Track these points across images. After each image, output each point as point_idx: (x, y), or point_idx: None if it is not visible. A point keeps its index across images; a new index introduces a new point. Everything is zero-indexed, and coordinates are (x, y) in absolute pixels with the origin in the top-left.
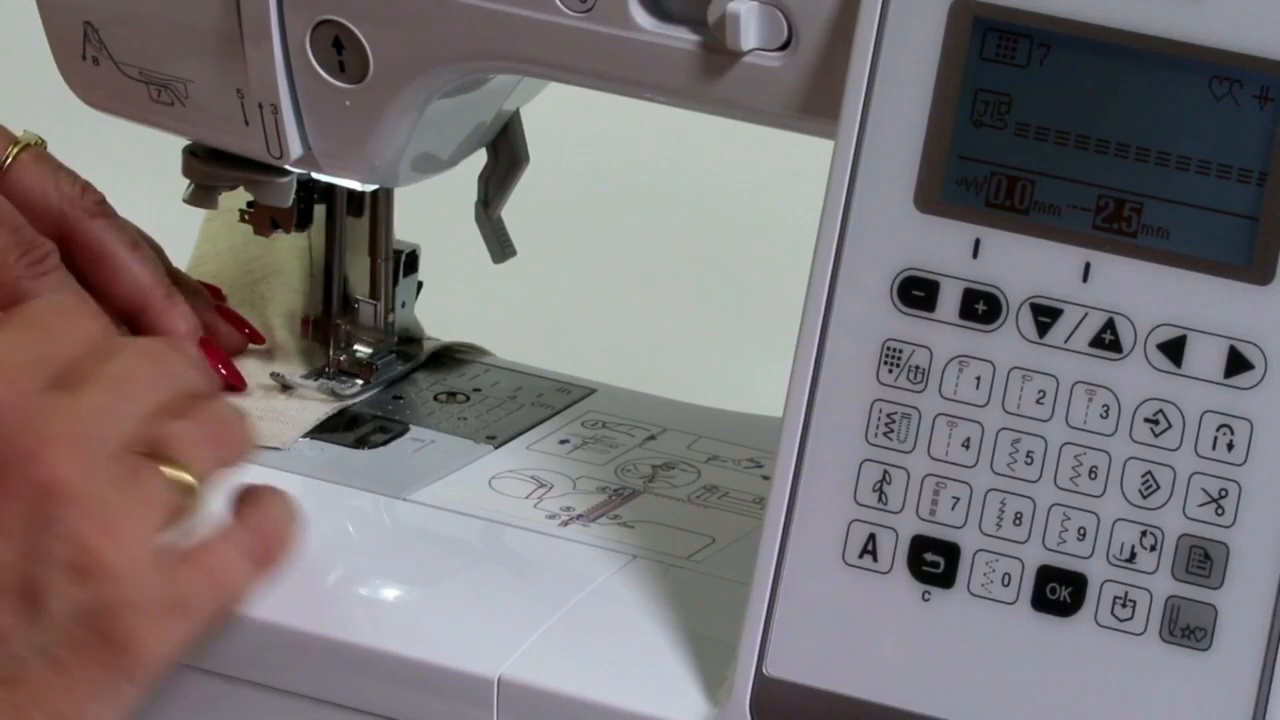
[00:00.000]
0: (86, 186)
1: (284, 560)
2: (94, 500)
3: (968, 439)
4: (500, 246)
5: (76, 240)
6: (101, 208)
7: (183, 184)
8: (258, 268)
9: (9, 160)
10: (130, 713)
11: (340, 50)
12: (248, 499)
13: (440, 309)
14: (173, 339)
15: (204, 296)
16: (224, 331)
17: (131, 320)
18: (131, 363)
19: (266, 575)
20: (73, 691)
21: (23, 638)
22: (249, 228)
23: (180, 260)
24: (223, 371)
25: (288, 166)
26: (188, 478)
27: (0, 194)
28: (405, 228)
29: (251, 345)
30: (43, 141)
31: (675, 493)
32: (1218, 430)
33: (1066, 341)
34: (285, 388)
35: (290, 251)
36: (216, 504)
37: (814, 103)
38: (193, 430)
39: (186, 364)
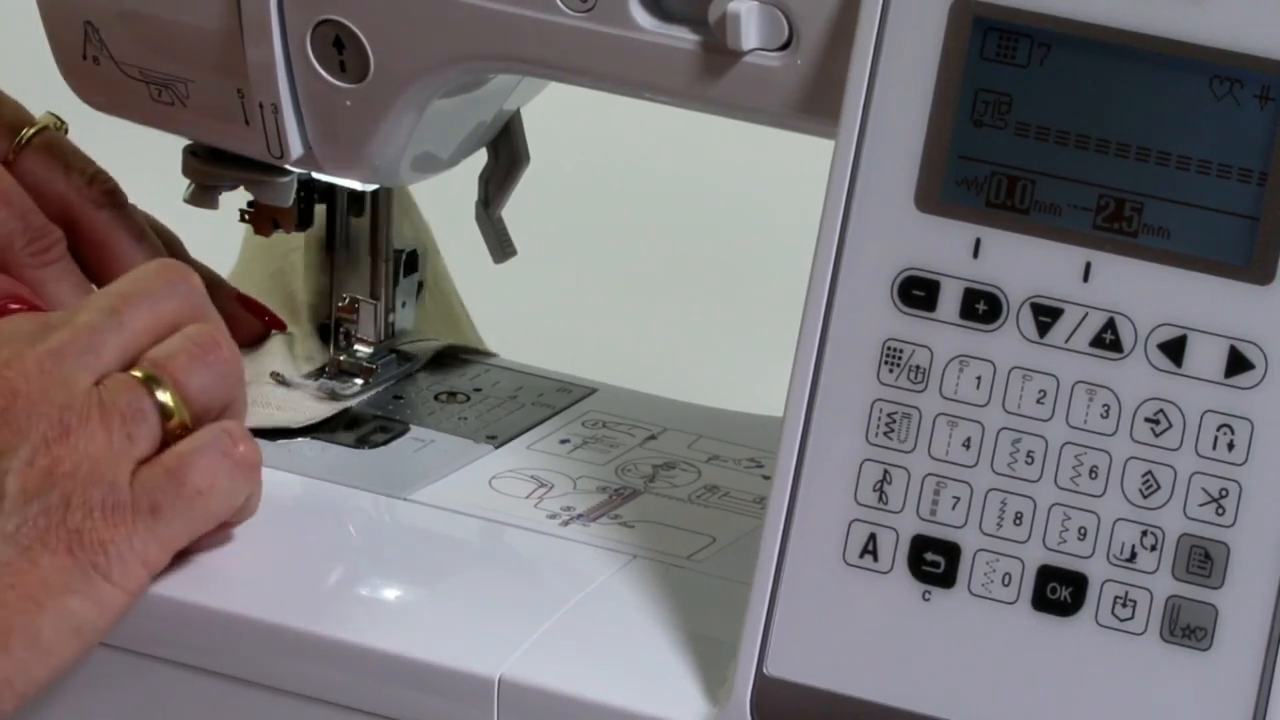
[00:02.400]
0: (97, 175)
1: (260, 457)
2: (54, 405)
3: (968, 439)
4: (500, 246)
5: (81, 230)
6: (110, 197)
7: (183, 184)
8: (293, 237)
9: (24, 141)
10: (119, 618)
11: (341, 50)
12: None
13: None
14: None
15: (224, 287)
16: (243, 320)
17: None
18: (135, 279)
19: (248, 473)
20: (44, 579)
21: None
22: None
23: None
24: None
25: (288, 166)
26: (172, 400)
27: (13, 177)
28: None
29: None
30: (62, 123)
31: (676, 492)
32: (1218, 430)
33: (1067, 341)
34: (285, 386)
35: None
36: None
37: (814, 103)
38: (183, 350)
39: (196, 286)
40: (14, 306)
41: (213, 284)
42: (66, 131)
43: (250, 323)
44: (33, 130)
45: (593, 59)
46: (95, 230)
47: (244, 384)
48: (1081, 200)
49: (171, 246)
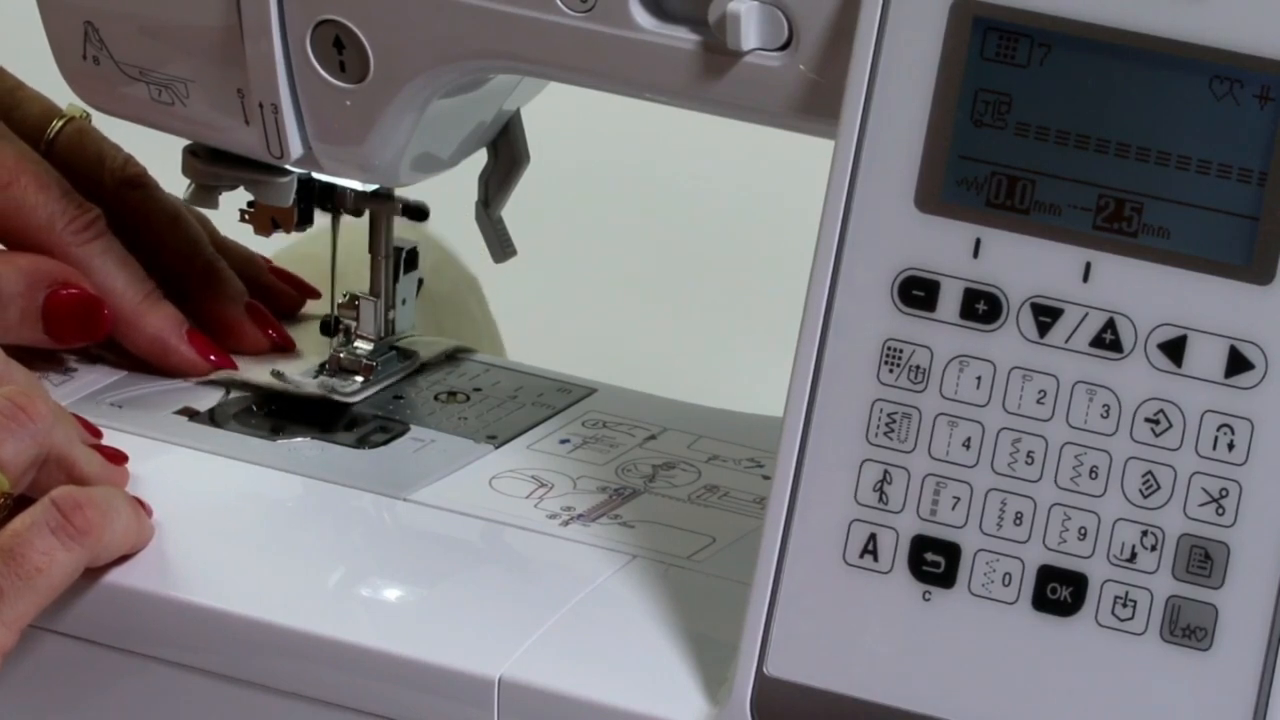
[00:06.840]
0: (129, 159)
1: (101, 536)
2: None
3: (968, 439)
4: (500, 246)
5: (117, 212)
6: (143, 179)
7: (183, 183)
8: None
9: (54, 132)
10: None
11: (341, 50)
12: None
13: None
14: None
15: (256, 263)
16: (280, 290)
17: (176, 288)
18: None
19: (84, 540)
20: None
21: None
22: None
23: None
24: (273, 335)
25: (288, 166)
26: None
27: (47, 163)
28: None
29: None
30: (87, 115)
31: (675, 492)
32: (1218, 430)
33: (1067, 341)
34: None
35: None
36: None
37: (814, 103)
38: None
39: None
40: (65, 292)
41: (246, 259)
42: (91, 122)
43: (286, 293)
44: (63, 121)
45: (593, 59)
46: (132, 212)
47: (65, 422)
48: (1081, 200)
49: (205, 225)
